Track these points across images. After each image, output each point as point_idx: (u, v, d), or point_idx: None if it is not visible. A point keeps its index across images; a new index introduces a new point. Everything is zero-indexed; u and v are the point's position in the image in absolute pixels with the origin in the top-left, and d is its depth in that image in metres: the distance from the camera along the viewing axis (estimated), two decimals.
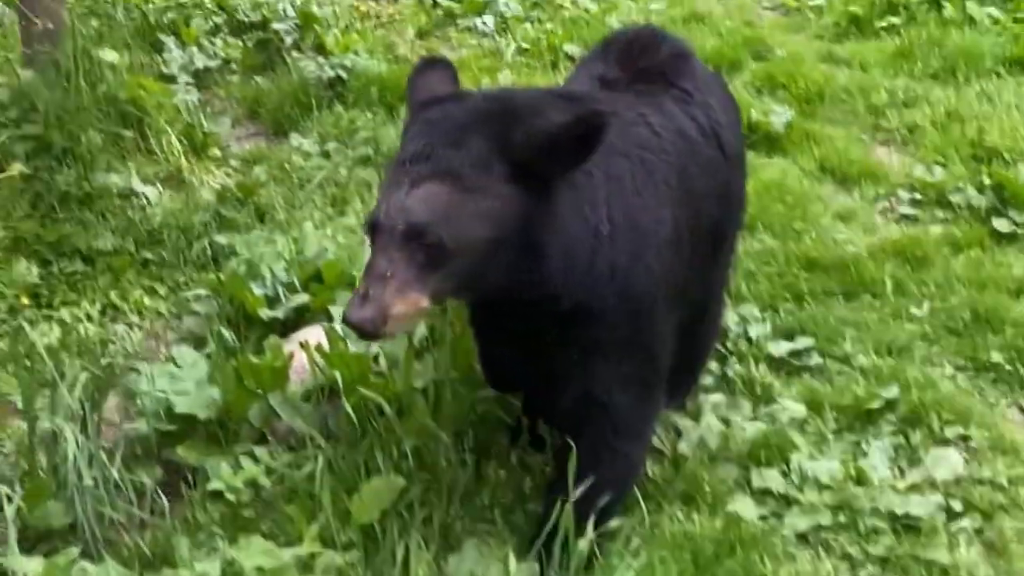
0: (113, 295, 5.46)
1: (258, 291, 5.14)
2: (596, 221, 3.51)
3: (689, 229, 3.86)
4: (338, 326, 4.78)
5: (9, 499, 3.75)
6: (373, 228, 3.32)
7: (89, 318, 5.23)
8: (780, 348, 5.16)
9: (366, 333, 3.27)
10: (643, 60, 4.13)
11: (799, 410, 4.77)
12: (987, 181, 6.41)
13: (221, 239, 5.73)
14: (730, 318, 5.23)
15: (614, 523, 3.72)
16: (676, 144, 3.85)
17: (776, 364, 5.11)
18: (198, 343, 5.06)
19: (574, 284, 3.51)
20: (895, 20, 8.69)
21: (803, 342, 5.19)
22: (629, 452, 3.86)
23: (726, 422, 4.69)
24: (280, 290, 5.20)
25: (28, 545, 3.85)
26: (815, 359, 5.12)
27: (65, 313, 5.22)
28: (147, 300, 5.48)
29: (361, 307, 3.22)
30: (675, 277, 3.78)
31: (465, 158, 3.28)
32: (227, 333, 4.76)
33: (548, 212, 3.38)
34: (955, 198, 6.41)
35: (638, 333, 3.72)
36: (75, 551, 3.68)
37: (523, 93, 3.87)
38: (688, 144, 3.92)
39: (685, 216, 3.82)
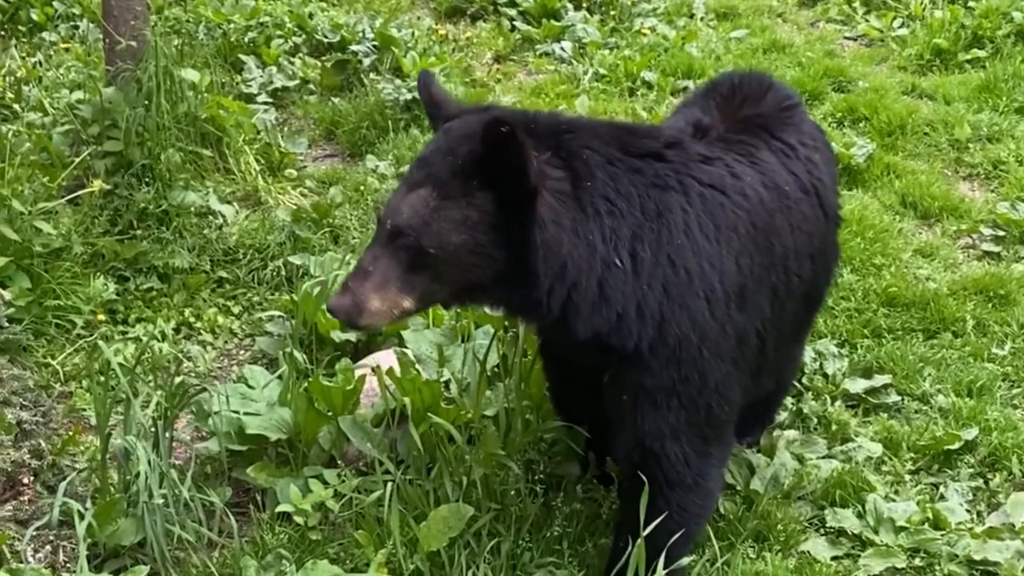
0: (187, 313, 5.51)
1: None
2: (608, 252, 3.41)
3: (771, 288, 3.71)
4: (410, 352, 4.78)
5: (80, 516, 3.77)
6: (377, 223, 3.49)
7: (163, 336, 5.27)
8: (857, 385, 5.07)
9: (343, 321, 3.44)
10: (747, 108, 3.99)
11: (876, 449, 4.68)
12: None
13: (295, 260, 5.76)
14: (807, 354, 5.15)
15: (685, 561, 3.65)
16: (762, 195, 3.67)
17: (853, 401, 5.03)
18: (270, 364, 5.09)
19: (584, 313, 3.43)
20: (980, 53, 8.54)
21: (881, 380, 5.10)
22: (685, 504, 3.68)
23: (800, 460, 4.62)
24: None
25: (98, 563, 3.88)
26: (893, 397, 5.03)
27: (140, 330, 5.27)
28: (221, 319, 5.51)
29: (341, 296, 3.39)
30: (739, 330, 3.61)
31: (450, 166, 3.35)
32: (299, 355, 4.77)
33: (533, 228, 3.33)
34: None
35: (684, 383, 3.55)
36: (144, 569, 3.70)
37: (565, 117, 3.75)
38: (781, 198, 3.74)
39: (760, 273, 3.65)
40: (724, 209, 3.56)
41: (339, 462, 4.48)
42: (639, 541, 3.40)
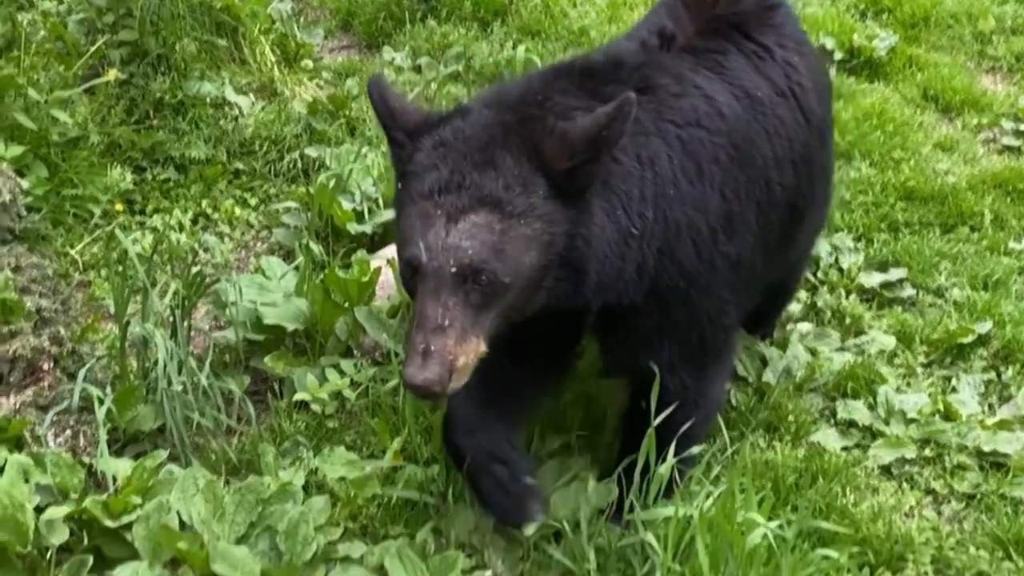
0: (204, 204, 5.51)
1: (347, 205, 5.16)
2: (628, 223, 3.28)
3: (756, 203, 3.61)
4: None
5: (100, 401, 3.83)
6: (415, 270, 3.07)
7: (181, 226, 5.28)
8: (872, 279, 5.08)
9: (433, 394, 3.05)
10: (722, 6, 3.79)
11: (889, 342, 4.70)
12: None
13: (312, 152, 5.74)
14: (822, 248, 5.14)
15: (695, 450, 3.69)
16: (736, 109, 3.55)
17: (867, 295, 5.04)
18: (287, 255, 5.11)
19: (605, 290, 3.32)
20: None
21: (896, 274, 5.10)
22: (688, 418, 3.59)
23: (813, 352, 4.64)
24: (368, 205, 5.20)
25: (117, 447, 3.94)
26: (908, 291, 5.04)
27: (157, 220, 5.28)
28: (237, 210, 5.51)
29: (424, 366, 2.98)
30: (730, 259, 3.54)
31: (501, 180, 3.06)
32: (315, 246, 4.78)
33: (588, 223, 3.17)
34: None
35: (674, 324, 3.52)
36: (163, 454, 3.75)
37: (526, 86, 3.45)
38: (754, 106, 3.62)
39: (746, 192, 3.56)
40: (704, 144, 3.45)
41: (355, 352, 4.52)
42: (649, 430, 3.43)
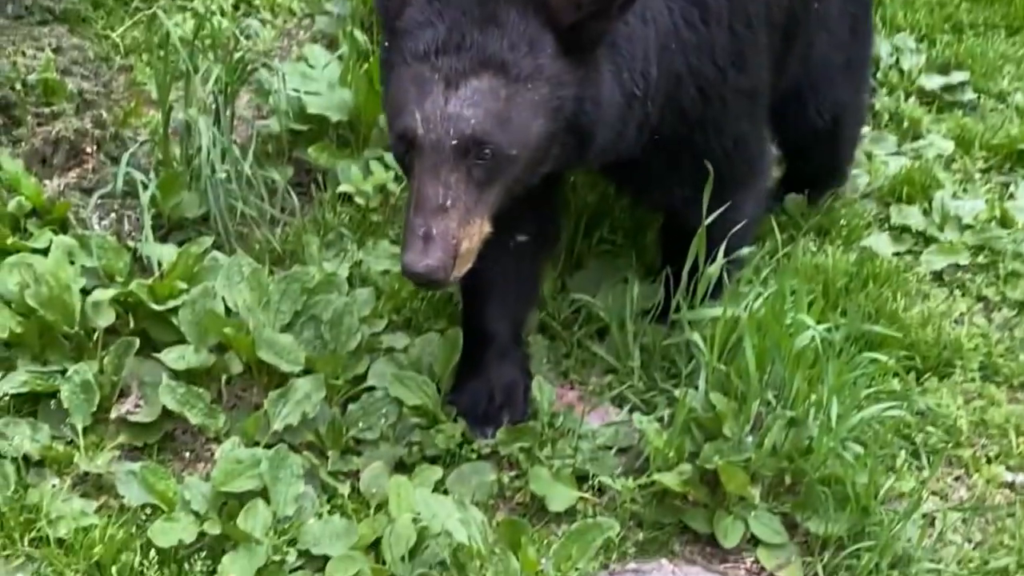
0: None
1: None
2: (632, 85, 3.01)
3: (768, 24, 3.39)
4: None
5: (144, 186, 3.79)
6: (411, 144, 2.79)
7: (223, 11, 5.15)
8: (933, 82, 4.94)
9: (435, 283, 2.84)
10: None
11: (947, 146, 4.60)
12: None
13: None
14: (882, 48, 4.98)
15: (745, 250, 3.64)
16: None
17: (927, 98, 4.89)
18: (330, 44, 4.98)
19: (607, 153, 3.11)
20: None
21: (958, 76, 4.96)
22: (725, 237, 3.42)
23: (868, 156, 4.53)
24: None
25: (162, 233, 3.92)
26: (969, 95, 4.91)
27: (199, 4, 5.14)
28: None
29: (425, 251, 2.73)
30: (743, 89, 3.33)
31: (506, 40, 2.76)
32: (359, 35, 4.65)
33: (597, 85, 2.91)
34: None
35: (683, 165, 3.34)
36: (208, 241, 3.74)
37: None
38: None
39: (756, 17, 3.32)
40: None
41: None
42: (700, 229, 3.36)
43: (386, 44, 2.96)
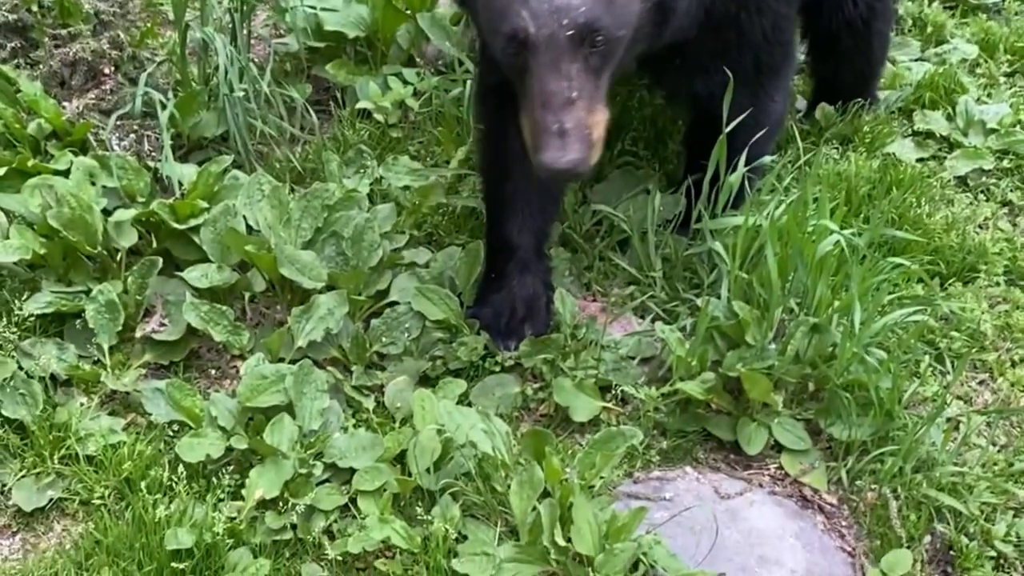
0: None
1: None
2: None
3: None
4: None
5: (163, 106, 3.79)
6: (523, 43, 2.74)
7: None
8: None
9: (578, 175, 2.87)
10: None
11: (971, 51, 4.55)
12: None
13: None
14: None
15: (766, 159, 3.61)
16: None
17: (951, 2, 4.83)
18: None
19: (676, 30, 3.09)
20: None
21: None
22: (763, 134, 3.45)
23: (892, 62, 4.47)
24: None
25: (182, 153, 3.92)
26: None
27: None
28: None
29: (565, 147, 2.72)
30: None
31: None
32: None
33: None
34: None
35: (727, 45, 3.32)
36: (227, 160, 3.73)
37: None
38: None
39: None
40: None
41: (418, 61, 4.42)
42: (720, 138, 3.34)
43: None
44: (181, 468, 2.94)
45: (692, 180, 3.54)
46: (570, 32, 2.70)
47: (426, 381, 3.27)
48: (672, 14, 2.98)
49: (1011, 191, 3.97)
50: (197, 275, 3.37)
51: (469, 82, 4.00)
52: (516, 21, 2.72)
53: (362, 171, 3.90)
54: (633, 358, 3.34)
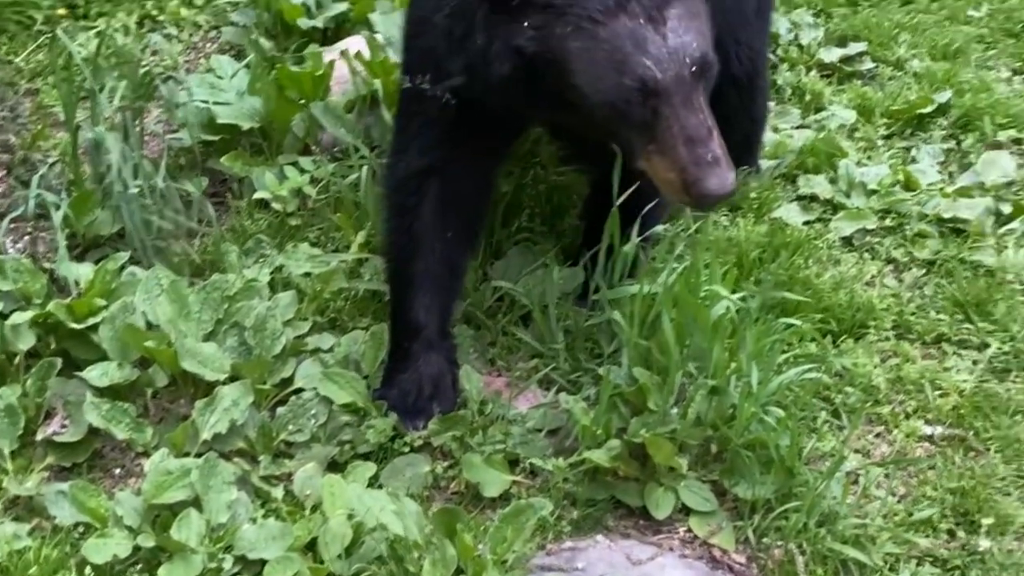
0: (149, 6, 5.34)
1: (296, 0, 5.01)
2: None
3: None
4: (380, 37, 4.66)
5: (56, 206, 3.78)
6: (651, 91, 2.84)
7: (126, 30, 5.14)
8: (832, 54, 5.05)
9: (731, 195, 3.00)
10: None
11: (849, 116, 4.71)
12: None
13: None
14: (782, 24, 5.08)
15: (658, 228, 3.70)
16: None
17: (827, 70, 5.01)
18: (238, 55, 4.97)
19: None
20: None
21: (856, 47, 5.09)
22: (657, 202, 3.49)
23: (775, 130, 4.62)
24: None
25: (78, 252, 3.90)
26: (867, 64, 5.04)
27: (102, 24, 5.13)
28: (184, 11, 5.35)
29: (724, 172, 2.87)
30: None
31: None
32: (266, 43, 4.66)
33: None
34: None
35: None
36: (125, 255, 3.72)
37: None
38: None
39: None
40: None
41: (313, 149, 4.46)
42: (612, 211, 3.42)
43: (537, 22, 2.93)
44: (88, 570, 2.90)
45: (589, 252, 3.62)
46: (693, 69, 2.85)
47: (335, 466, 3.27)
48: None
49: (894, 249, 4.11)
50: (97, 374, 3.34)
51: (366, 167, 4.05)
52: (641, 71, 2.83)
53: (262, 260, 3.90)
54: (540, 430, 3.37)
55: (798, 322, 3.45)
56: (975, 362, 3.70)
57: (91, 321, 3.44)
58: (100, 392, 3.32)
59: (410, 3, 3.56)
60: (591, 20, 2.86)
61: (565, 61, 2.93)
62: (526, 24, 2.94)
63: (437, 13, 3.21)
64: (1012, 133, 4.60)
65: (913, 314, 3.84)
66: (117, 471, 3.32)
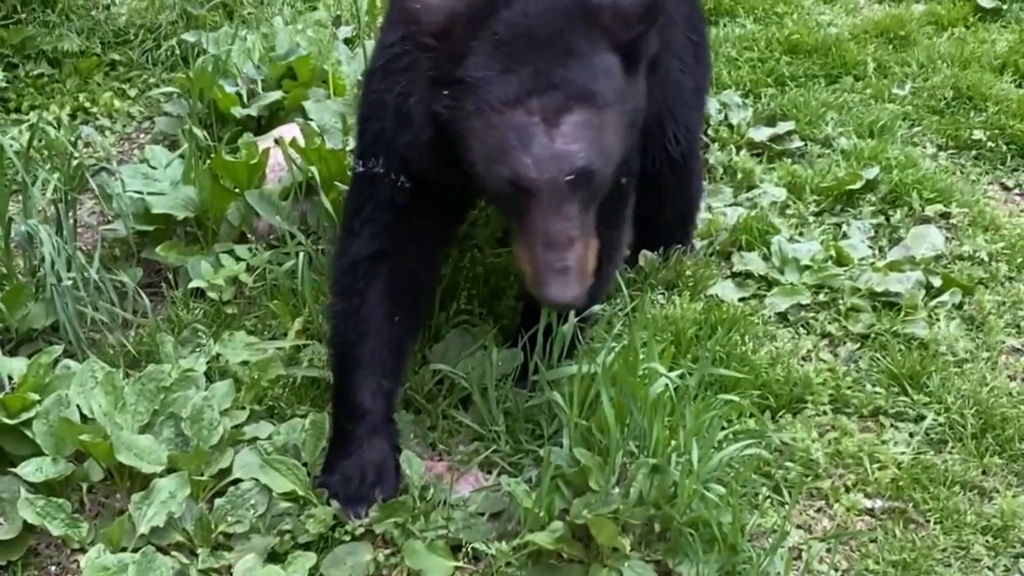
0: (82, 98, 5.36)
1: (230, 89, 5.04)
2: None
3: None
4: (315, 125, 4.69)
5: None
6: (523, 188, 2.90)
7: (59, 122, 5.13)
8: (761, 133, 5.13)
9: (574, 305, 3.10)
10: None
11: (780, 194, 4.78)
12: None
13: (189, 37, 5.58)
14: (712, 105, 5.17)
15: (596, 308, 3.72)
16: None
17: (757, 150, 5.09)
18: (172, 145, 4.98)
19: None
20: None
21: (784, 127, 5.17)
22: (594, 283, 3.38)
23: (708, 209, 4.67)
24: (251, 88, 5.09)
25: (11, 347, 3.85)
26: (796, 143, 5.12)
27: (34, 117, 5.10)
28: (117, 102, 5.37)
29: (567, 283, 2.94)
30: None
31: (588, 70, 2.90)
32: (200, 132, 4.67)
33: (643, 96, 3.16)
34: None
35: None
36: (58, 349, 3.67)
37: None
38: None
39: None
40: None
41: (249, 237, 4.45)
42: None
43: (446, 97, 2.98)
44: None
45: (528, 333, 3.63)
46: (570, 177, 2.87)
47: (275, 557, 3.22)
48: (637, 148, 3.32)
49: (829, 323, 4.15)
50: (31, 470, 3.28)
51: (302, 254, 4.04)
52: (518, 168, 2.88)
53: (198, 350, 3.87)
54: (482, 514, 3.35)
55: (736, 398, 3.46)
56: (912, 434, 3.73)
57: (24, 416, 3.38)
58: (35, 488, 3.26)
59: (364, 87, 3.62)
60: (491, 106, 2.89)
61: (465, 136, 2.99)
62: (445, 92, 2.98)
63: (388, 94, 3.28)
64: (939, 207, 4.68)
65: (850, 388, 3.87)
66: (53, 568, 3.26)
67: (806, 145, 5.13)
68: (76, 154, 4.36)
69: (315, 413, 3.59)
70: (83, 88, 5.41)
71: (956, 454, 3.67)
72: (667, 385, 3.30)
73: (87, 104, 5.34)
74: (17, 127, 5.02)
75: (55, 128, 5.00)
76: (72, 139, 4.52)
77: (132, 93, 5.46)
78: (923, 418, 3.77)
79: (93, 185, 4.32)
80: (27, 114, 5.21)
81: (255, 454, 3.43)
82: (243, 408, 3.64)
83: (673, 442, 3.28)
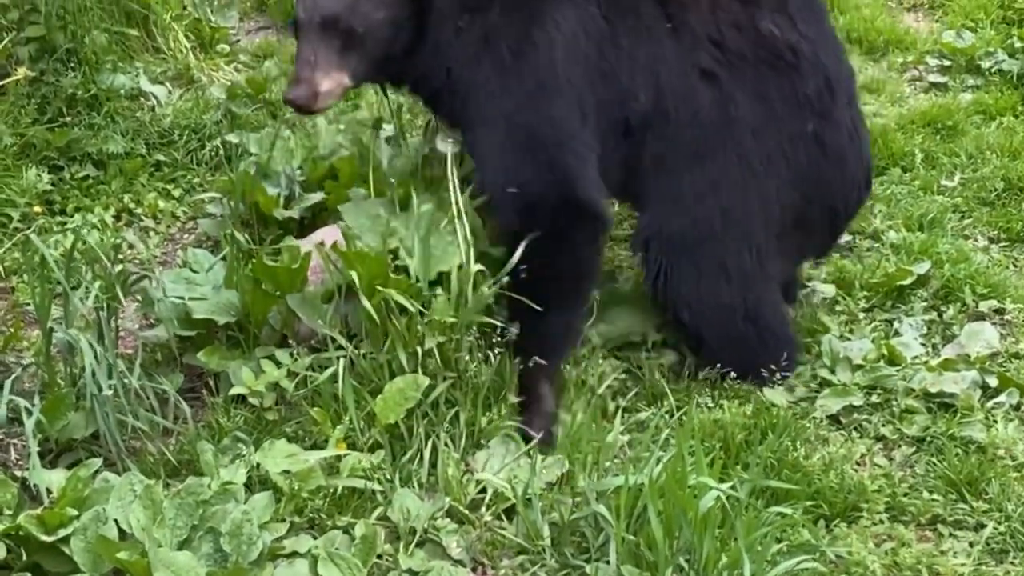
0: (127, 199, 5.38)
1: (272, 191, 5.03)
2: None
3: None
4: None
5: (28, 412, 3.71)
6: (295, 25, 3.99)
7: (104, 224, 5.15)
8: None
9: (301, 108, 4.05)
10: None
11: (829, 290, 4.70)
12: (1018, 44, 6.25)
13: (233, 138, 5.60)
14: None
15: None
16: None
17: None
18: (215, 246, 4.98)
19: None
20: None
21: None
22: None
23: None
24: (293, 189, 5.08)
25: (51, 458, 3.82)
26: (844, 238, 5.02)
27: (79, 219, 5.15)
28: (161, 203, 5.39)
29: (295, 87, 3.95)
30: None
31: None
32: (241, 236, 4.65)
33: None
34: (985, 63, 6.29)
35: None
36: (98, 462, 3.63)
37: None
38: None
39: None
40: None
41: (291, 341, 4.41)
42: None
43: None
44: None
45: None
46: (318, 20, 3.91)
47: None
48: (424, 37, 4.04)
49: (883, 426, 4.05)
50: None
51: (343, 359, 4.00)
52: (297, 10, 4.02)
53: (238, 459, 3.82)
54: None
55: (790, 511, 3.36)
56: (972, 543, 3.61)
57: (62, 533, 3.32)
58: None
59: None
60: None
61: None
62: None
63: None
64: (993, 303, 4.59)
65: (906, 495, 3.76)
66: None
67: (854, 239, 5.05)
68: (119, 259, 4.35)
69: (358, 522, 3.52)
70: (128, 189, 5.43)
71: (1019, 565, 3.54)
72: (718, 497, 3.21)
73: (132, 205, 5.36)
74: (62, 230, 5.04)
75: (99, 230, 5.05)
76: (114, 243, 4.52)
77: (176, 193, 5.47)
78: (983, 526, 3.65)
79: (142, 287, 4.32)
80: (72, 216, 5.23)
81: (294, 569, 3.37)
82: (283, 520, 3.57)
83: (724, 557, 3.18)
